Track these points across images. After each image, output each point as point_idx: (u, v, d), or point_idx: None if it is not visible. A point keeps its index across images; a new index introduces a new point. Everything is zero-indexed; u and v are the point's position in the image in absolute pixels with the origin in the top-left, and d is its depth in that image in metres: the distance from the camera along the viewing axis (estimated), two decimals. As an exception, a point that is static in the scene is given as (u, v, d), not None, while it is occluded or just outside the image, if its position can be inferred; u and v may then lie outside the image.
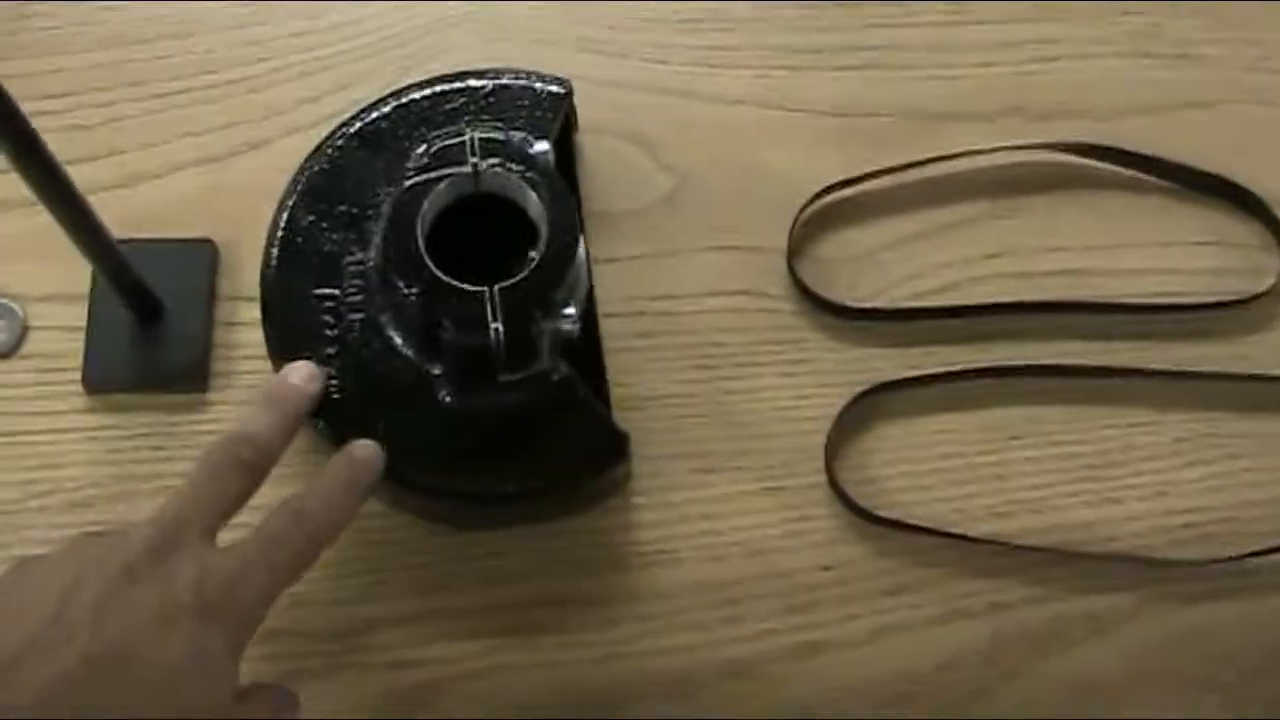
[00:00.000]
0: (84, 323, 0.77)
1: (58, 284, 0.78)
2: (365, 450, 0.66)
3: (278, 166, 0.78)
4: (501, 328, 0.66)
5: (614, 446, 0.70)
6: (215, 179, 0.81)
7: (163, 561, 0.56)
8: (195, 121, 0.82)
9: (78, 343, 0.76)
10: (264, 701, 0.62)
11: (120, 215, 0.69)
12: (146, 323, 0.76)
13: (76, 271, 0.76)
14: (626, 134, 0.82)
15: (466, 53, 0.84)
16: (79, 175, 0.63)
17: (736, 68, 0.84)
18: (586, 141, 0.81)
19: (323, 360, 0.69)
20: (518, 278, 0.67)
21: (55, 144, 0.60)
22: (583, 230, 0.71)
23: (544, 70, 0.77)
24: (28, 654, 0.52)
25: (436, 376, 0.70)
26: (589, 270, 0.75)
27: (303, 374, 0.68)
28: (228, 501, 0.61)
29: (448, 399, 0.69)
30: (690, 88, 0.83)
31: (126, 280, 0.73)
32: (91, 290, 0.77)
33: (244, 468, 0.62)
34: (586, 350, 0.73)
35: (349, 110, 0.77)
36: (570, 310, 0.68)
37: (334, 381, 0.69)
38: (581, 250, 0.70)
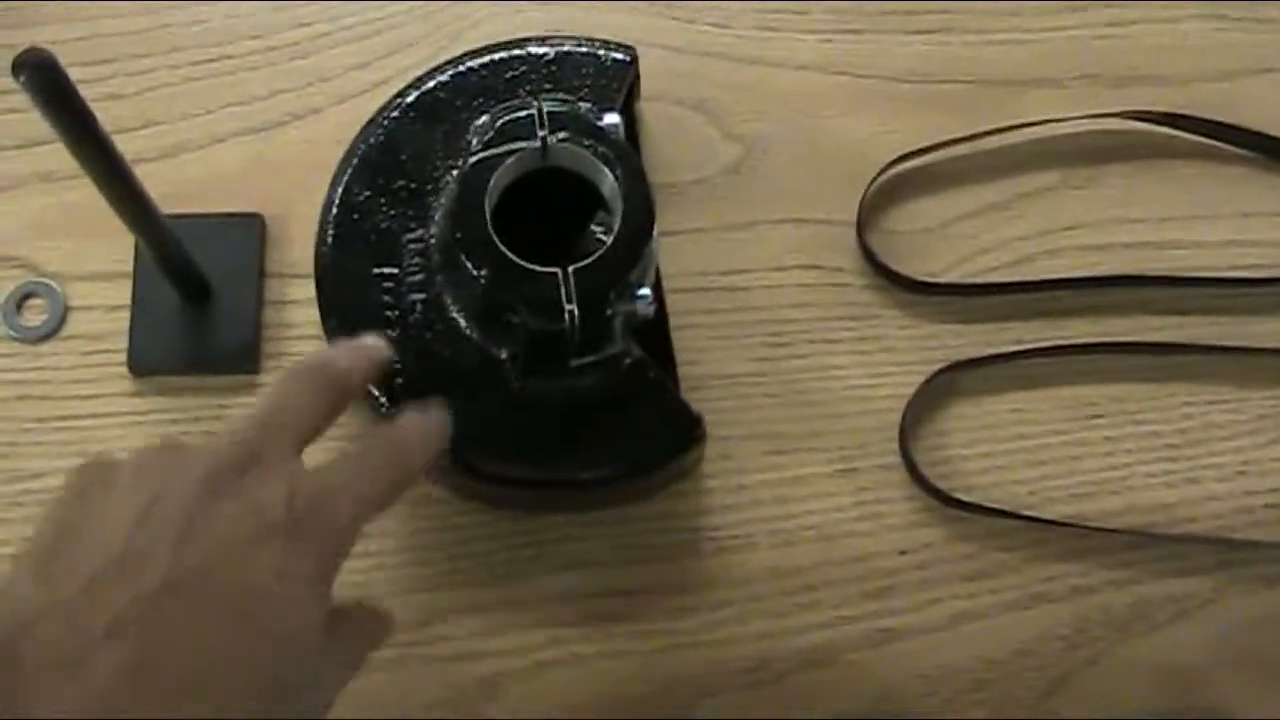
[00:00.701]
0: (127, 302, 0.74)
1: (99, 262, 0.75)
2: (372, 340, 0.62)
3: (326, 136, 0.76)
4: (576, 310, 0.63)
5: (688, 429, 0.68)
6: (260, 150, 0.78)
7: (249, 474, 0.51)
8: (238, 90, 0.79)
9: (121, 323, 0.74)
10: (353, 627, 0.56)
11: (161, 189, 0.66)
12: (193, 301, 0.74)
13: (118, 248, 0.74)
14: (690, 102, 0.79)
15: (522, 16, 0.80)
16: (117, 147, 0.60)
17: (803, 32, 0.81)
18: (647, 109, 0.78)
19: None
20: (593, 258, 0.64)
21: (97, 119, 0.57)
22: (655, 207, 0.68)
23: (599, 30, 0.74)
24: (104, 574, 0.47)
25: (504, 360, 0.67)
26: (655, 247, 0.72)
27: (370, 344, 0.62)
28: (313, 419, 0.56)
29: (516, 383, 0.67)
30: (756, 53, 0.80)
31: (173, 257, 0.70)
32: (135, 268, 0.74)
33: (327, 389, 0.57)
34: (655, 331, 0.71)
35: (399, 76, 0.75)
36: (644, 291, 0.65)
37: (396, 364, 0.66)
38: (656, 230, 0.67)
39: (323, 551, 0.52)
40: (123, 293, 0.74)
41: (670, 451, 0.68)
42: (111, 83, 0.78)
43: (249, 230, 0.75)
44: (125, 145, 0.62)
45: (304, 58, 0.79)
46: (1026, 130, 0.78)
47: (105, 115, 0.59)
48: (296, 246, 0.76)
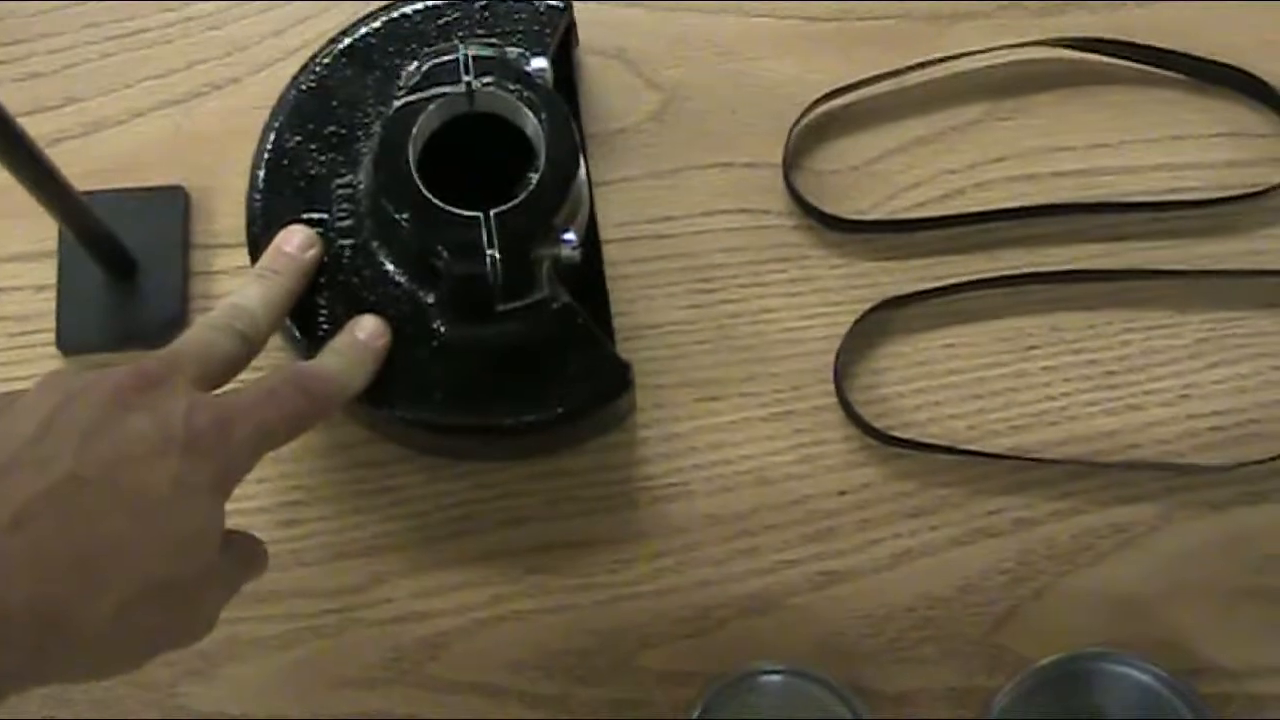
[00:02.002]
0: (54, 282, 0.74)
1: (24, 242, 0.75)
2: (371, 323, 0.65)
3: (246, 105, 0.76)
4: (499, 254, 0.63)
5: (617, 377, 0.68)
6: (179, 122, 0.77)
7: (153, 392, 0.53)
8: (155, 63, 0.78)
9: (48, 303, 0.74)
10: (237, 553, 0.58)
11: (83, 167, 0.67)
12: (120, 278, 0.73)
13: (44, 228, 0.73)
14: (610, 50, 0.78)
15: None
16: (37, 126, 0.61)
17: (719, -26, 0.80)
18: (572, 60, 0.78)
19: (312, 288, 0.67)
20: (515, 202, 0.64)
21: (10, 95, 0.57)
22: (583, 152, 0.68)
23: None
24: (8, 471, 0.49)
25: (431, 305, 0.67)
26: (590, 194, 0.72)
27: (299, 240, 0.66)
28: (218, 359, 0.59)
29: (443, 329, 0.67)
30: (672, -2, 0.80)
31: (95, 235, 0.70)
32: (60, 247, 0.74)
33: (235, 332, 0.60)
34: (589, 278, 0.71)
35: (317, 40, 0.74)
36: (570, 235, 0.65)
37: (324, 310, 0.67)
38: (582, 173, 0.67)
39: (219, 468, 0.54)
40: (48, 273, 0.74)
41: (598, 398, 0.68)
42: (30, 62, 0.77)
43: (172, 203, 0.75)
44: (48, 124, 0.62)
45: (219, 28, 0.79)
46: (951, 63, 0.77)
47: (26, 95, 0.59)
48: (221, 217, 0.75)
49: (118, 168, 0.76)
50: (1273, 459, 0.71)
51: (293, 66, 0.72)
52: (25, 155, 0.61)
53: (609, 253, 0.74)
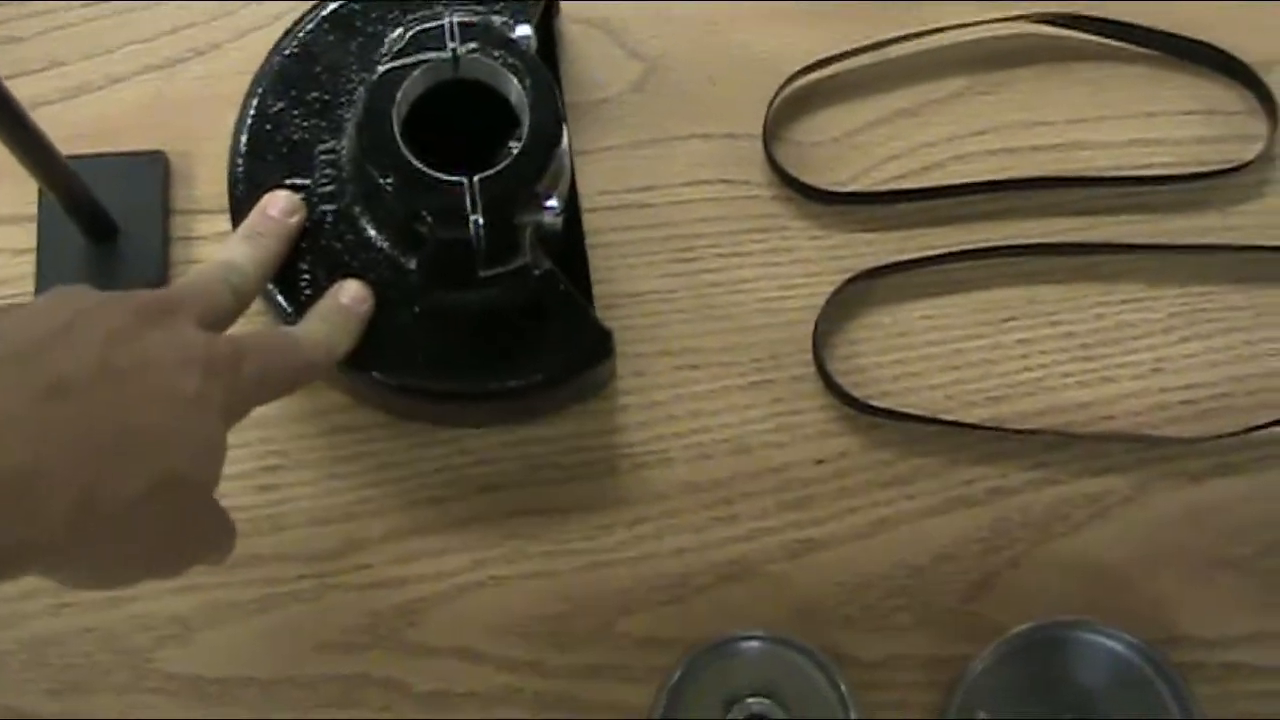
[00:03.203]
0: (34, 245, 0.74)
1: (4, 205, 0.75)
2: (355, 287, 0.65)
3: (227, 71, 0.76)
4: (482, 220, 0.63)
5: (598, 343, 0.68)
6: (161, 87, 0.77)
7: (165, 318, 0.54)
8: (138, 28, 0.78)
9: (28, 267, 0.74)
10: (224, 514, 0.58)
11: (65, 131, 0.67)
12: (100, 242, 0.73)
13: (24, 192, 0.73)
14: (593, 20, 0.79)
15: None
16: (17, 90, 0.60)
17: (702, -54, 0.81)
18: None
19: (295, 253, 0.67)
20: (499, 167, 0.64)
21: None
22: (565, 120, 0.68)
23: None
24: (42, 347, 0.49)
25: (413, 271, 0.67)
26: (573, 164, 0.72)
27: (282, 205, 0.67)
28: (217, 308, 0.59)
29: (425, 294, 0.67)
30: (655, -30, 0.80)
31: (77, 198, 0.70)
32: (40, 211, 0.74)
33: (229, 286, 0.60)
34: (570, 246, 0.71)
35: (299, 9, 0.74)
36: (553, 202, 0.65)
37: (306, 276, 0.67)
38: (565, 140, 0.67)
39: (230, 396, 0.55)
40: (28, 237, 0.74)
41: (579, 364, 0.68)
42: (11, 25, 0.78)
43: (153, 168, 0.75)
44: (28, 88, 0.62)
45: (203, -8, 0.79)
46: (931, 37, 0.78)
47: (6, 58, 0.59)
48: (202, 182, 0.75)
49: (98, 132, 0.76)
50: (1243, 431, 0.71)
51: (275, 32, 0.72)
52: (9, 116, 0.61)
53: (590, 221, 0.74)
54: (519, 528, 0.70)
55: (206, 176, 0.75)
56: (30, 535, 0.46)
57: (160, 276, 0.73)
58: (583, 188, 0.75)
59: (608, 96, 0.78)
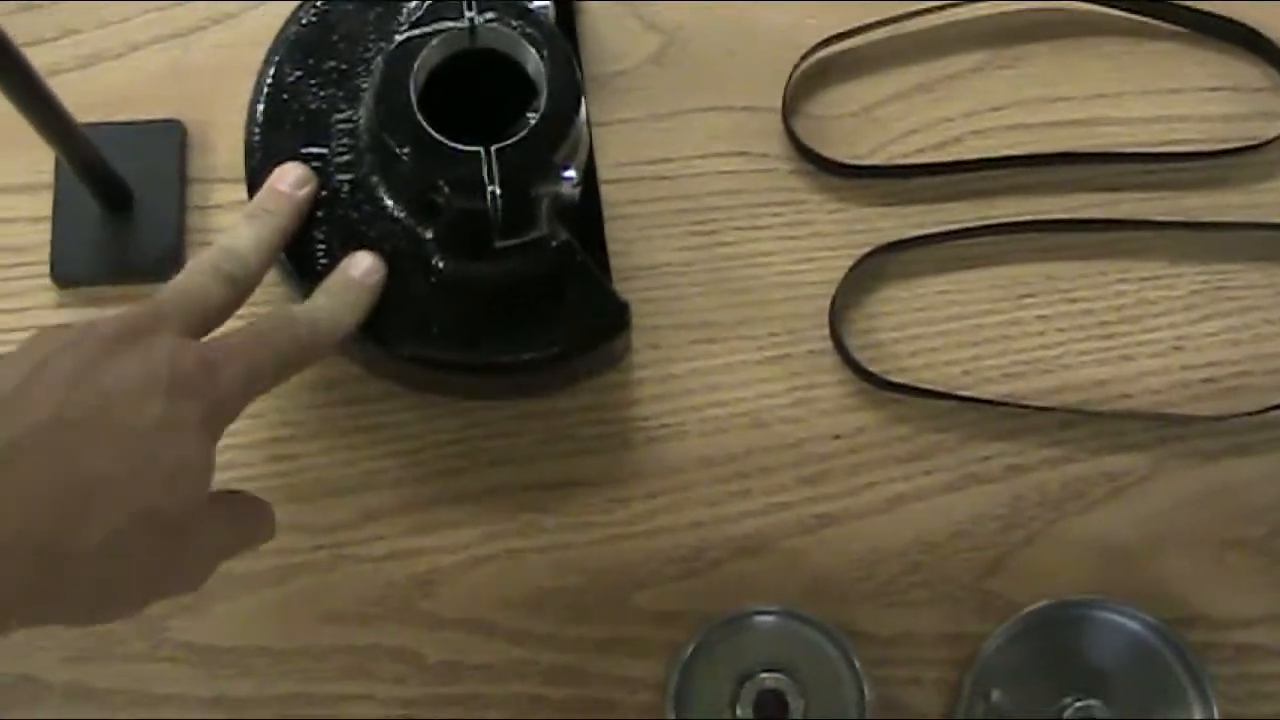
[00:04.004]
0: (50, 213, 0.74)
1: (21, 174, 0.75)
2: (366, 260, 0.65)
3: (244, 40, 0.76)
4: (499, 190, 0.63)
5: (615, 315, 0.68)
6: (178, 56, 0.77)
7: (138, 340, 0.54)
8: (154, -4, 0.78)
9: (44, 234, 0.74)
10: (239, 506, 0.60)
11: (81, 99, 0.67)
12: (115, 210, 0.73)
13: (40, 159, 0.73)
14: (610, -9, 0.79)
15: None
16: (34, 58, 0.60)
17: (721, -82, 0.80)
18: (569, 2, 0.78)
19: (309, 224, 0.67)
20: (516, 138, 0.64)
21: (7, 26, 0.57)
22: (584, 91, 0.67)
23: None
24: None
25: (430, 241, 0.67)
26: (590, 135, 0.72)
27: (293, 178, 0.66)
28: (207, 306, 0.59)
29: (441, 265, 0.67)
30: (674, -60, 0.80)
31: (93, 167, 0.70)
32: (56, 179, 0.74)
33: (223, 276, 0.60)
34: (587, 218, 0.71)
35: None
36: (570, 173, 0.64)
37: (321, 246, 0.67)
38: (583, 111, 0.66)
39: (206, 407, 0.54)
40: (45, 204, 0.74)
41: (595, 337, 0.68)
42: (27, -8, 0.78)
43: (169, 137, 0.75)
44: (44, 56, 0.62)
45: (220, -39, 0.79)
46: (951, 11, 0.78)
47: (21, 26, 0.59)
48: (218, 151, 0.75)
49: (115, 101, 0.76)
50: (1263, 411, 0.71)
51: (291, 2, 0.72)
52: (27, 83, 0.61)
53: (607, 193, 0.74)
54: (534, 500, 0.70)
55: (223, 145, 0.75)
56: None
57: (175, 245, 0.73)
58: (600, 160, 0.75)
59: (626, 68, 0.77)
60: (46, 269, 0.73)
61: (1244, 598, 0.70)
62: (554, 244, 0.67)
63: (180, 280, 0.60)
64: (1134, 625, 0.66)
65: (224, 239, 0.63)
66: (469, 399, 0.72)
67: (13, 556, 0.47)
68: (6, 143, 0.73)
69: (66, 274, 0.73)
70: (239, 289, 0.61)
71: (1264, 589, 0.70)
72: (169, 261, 0.72)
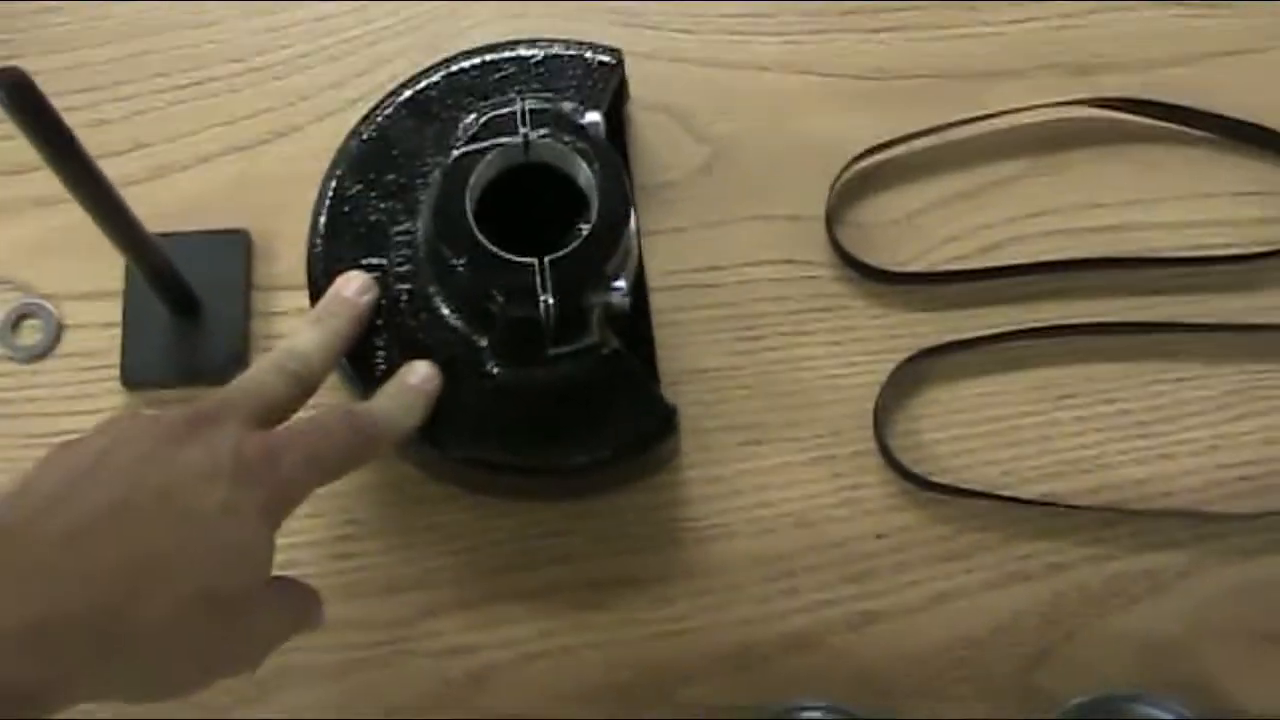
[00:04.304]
0: (120, 319, 0.76)
1: (91, 281, 0.77)
2: (423, 368, 0.67)
3: (307, 153, 0.78)
4: (552, 300, 0.65)
5: (664, 420, 0.70)
6: (244, 168, 0.80)
7: (205, 429, 0.56)
8: (221, 111, 0.81)
9: (114, 340, 0.76)
10: (293, 592, 0.61)
11: (150, 209, 0.69)
12: (183, 316, 0.76)
13: (109, 268, 0.76)
14: (660, 106, 0.81)
15: (491, 26, 0.82)
16: (106, 169, 0.63)
17: (768, 34, 0.82)
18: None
19: (370, 331, 0.69)
20: (568, 249, 0.66)
21: (80, 140, 0.60)
22: (633, 203, 0.70)
23: (570, 37, 0.76)
24: (64, 496, 0.52)
25: (485, 348, 0.69)
26: (640, 245, 0.74)
27: (356, 286, 0.69)
28: (272, 401, 0.61)
29: (496, 371, 0.69)
30: (722, 56, 0.82)
31: (162, 274, 0.72)
32: (126, 286, 0.77)
33: (288, 374, 0.62)
34: (636, 324, 0.73)
35: (375, 91, 0.76)
36: (620, 283, 0.67)
37: (381, 352, 0.69)
38: (633, 223, 0.69)
39: (267, 496, 0.56)
40: (115, 310, 0.76)
41: (644, 441, 0.70)
42: (99, 109, 0.80)
43: (235, 245, 0.77)
44: (114, 169, 0.64)
45: (284, 78, 0.82)
46: (990, 121, 0.80)
47: (93, 141, 0.61)
48: (282, 259, 0.78)
49: (183, 211, 0.78)
50: (1300, 508, 0.72)
51: (352, 117, 0.75)
52: (101, 194, 0.64)
53: (657, 300, 0.76)
54: (587, 597, 0.72)
55: (287, 253, 0.77)
56: (52, 675, 0.49)
57: (241, 349, 0.75)
58: (650, 267, 0.77)
59: (675, 179, 0.80)
60: (116, 373, 0.75)
61: (1283, 693, 0.71)
62: (605, 351, 0.69)
63: (246, 377, 0.62)
64: (1175, 719, 0.68)
65: (289, 340, 0.65)
66: (522, 500, 0.73)
67: (77, 629, 0.49)
68: (79, 252, 0.76)
69: (135, 378, 0.75)
70: (303, 387, 0.63)
71: (1303, 684, 0.71)
72: (235, 365, 0.74)
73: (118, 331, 0.76)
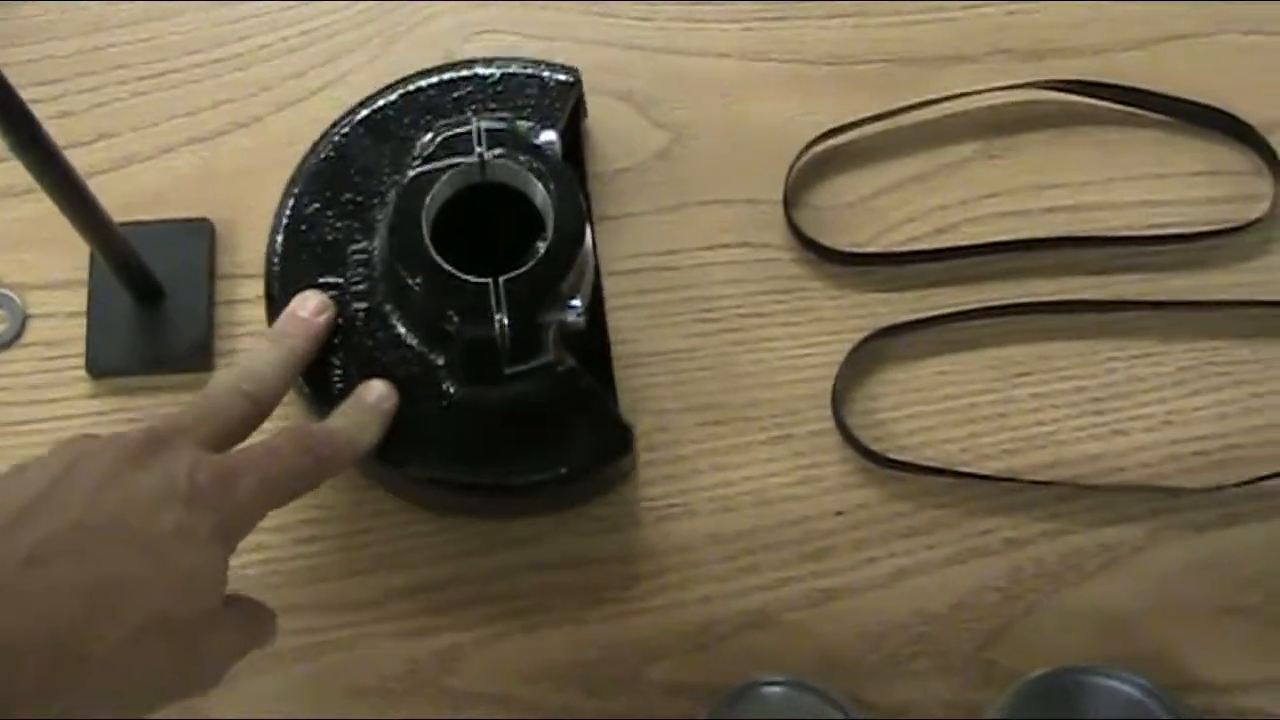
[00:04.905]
0: (84, 308, 0.77)
1: (56, 271, 0.78)
2: (380, 386, 0.68)
3: (269, 143, 0.79)
4: (506, 319, 0.66)
5: (620, 438, 0.70)
6: (206, 158, 0.81)
7: (160, 452, 0.56)
8: (184, 102, 0.82)
9: (79, 329, 0.76)
10: (246, 610, 0.61)
11: (114, 199, 0.69)
12: (147, 305, 0.76)
13: (74, 258, 0.77)
14: (619, 93, 0.82)
15: (451, 17, 0.83)
16: (71, 160, 0.63)
17: (725, 21, 0.84)
18: (579, 102, 0.81)
19: (327, 349, 0.70)
20: (523, 269, 0.67)
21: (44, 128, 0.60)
22: (591, 223, 0.70)
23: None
24: (22, 516, 0.52)
25: (441, 367, 0.70)
26: (596, 263, 0.75)
27: (312, 306, 0.69)
28: (229, 422, 0.61)
29: (452, 389, 0.69)
30: (679, 44, 0.83)
31: (127, 263, 0.73)
32: (90, 275, 0.77)
33: (242, 395, 0.63)
34: (593, 342, 0.74)
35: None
36: (576, 302, 0.68)
37: (338, 371, 0.70)
38: (589, 242, 0.69)
39: (221, 519, 0.56)
40: (80, 299, 0.77)
41: (600, 459, 0.70)
42: (62, 101, 0.81)
43: (199, 235, 0.78)
44: (78, 159, 0.65)
45: (245, 69, 0.82)
46: (943, 104, 0.81)
47: (58, 131, 0.62)
48: (245, 248, 0.78)
49: (147, 201, 0.79)
50: (1252, 481, 0.73)
51: (313, 107, 0.76)
52: (66, 183, 0.64)
53: (617, 284, 0.77)
54: (550, 578, 0.72)
55: (249, 243, 0.78)
56: (6, 696, 0.49)
57: (205, 338, 0.76)
58: (609, 252, 0.78)
59: (633, 165, 0.80)
60: (81, 361, 0.76)
61: (1240, 664, 0.71)
62: (560, 370, 0.69)
63: (202, 397, 0.62)
64: (1131, 690, 0.67)
65: (245, 359, 0.66)
66: (478, 518, 0.74)
67: (28, 653, 0.49)
68: (43, 242, 0.77)
69: (100, 366, 0.76)
70: (259, 407, 0.63)
71: (1260, 655, 0.72)
72: (198, 353, 0.76)
73: (82, 320, 0.76)
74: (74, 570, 0.51)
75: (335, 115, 0.75)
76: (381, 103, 0.75)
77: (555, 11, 0.83)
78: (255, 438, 0.62)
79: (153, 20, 0.83)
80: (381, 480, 0.73)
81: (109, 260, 0.72)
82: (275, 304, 0.71)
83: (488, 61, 0.76)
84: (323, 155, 0.74)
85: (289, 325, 0.69)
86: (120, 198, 0.73)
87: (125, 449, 0.56)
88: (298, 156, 0.75)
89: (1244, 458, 0.75)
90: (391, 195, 0.71)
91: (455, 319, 0.66)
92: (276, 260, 0.72)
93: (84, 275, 0.77)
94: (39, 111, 0.60)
